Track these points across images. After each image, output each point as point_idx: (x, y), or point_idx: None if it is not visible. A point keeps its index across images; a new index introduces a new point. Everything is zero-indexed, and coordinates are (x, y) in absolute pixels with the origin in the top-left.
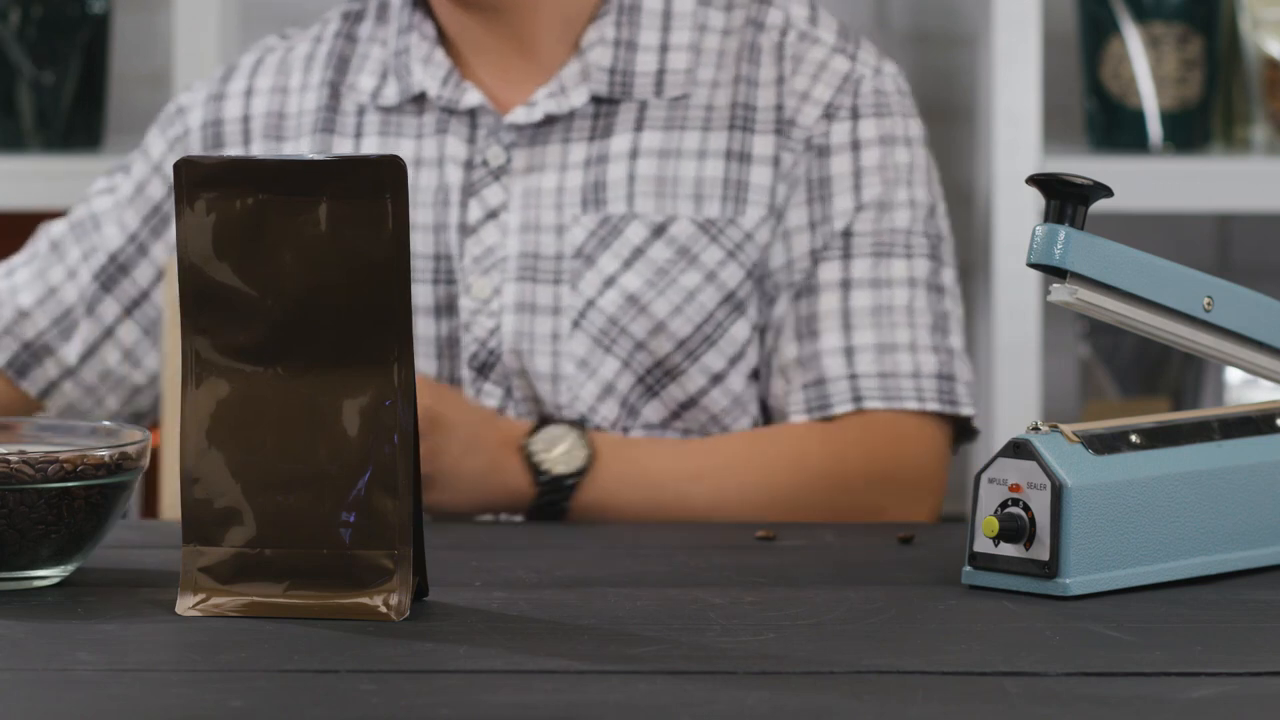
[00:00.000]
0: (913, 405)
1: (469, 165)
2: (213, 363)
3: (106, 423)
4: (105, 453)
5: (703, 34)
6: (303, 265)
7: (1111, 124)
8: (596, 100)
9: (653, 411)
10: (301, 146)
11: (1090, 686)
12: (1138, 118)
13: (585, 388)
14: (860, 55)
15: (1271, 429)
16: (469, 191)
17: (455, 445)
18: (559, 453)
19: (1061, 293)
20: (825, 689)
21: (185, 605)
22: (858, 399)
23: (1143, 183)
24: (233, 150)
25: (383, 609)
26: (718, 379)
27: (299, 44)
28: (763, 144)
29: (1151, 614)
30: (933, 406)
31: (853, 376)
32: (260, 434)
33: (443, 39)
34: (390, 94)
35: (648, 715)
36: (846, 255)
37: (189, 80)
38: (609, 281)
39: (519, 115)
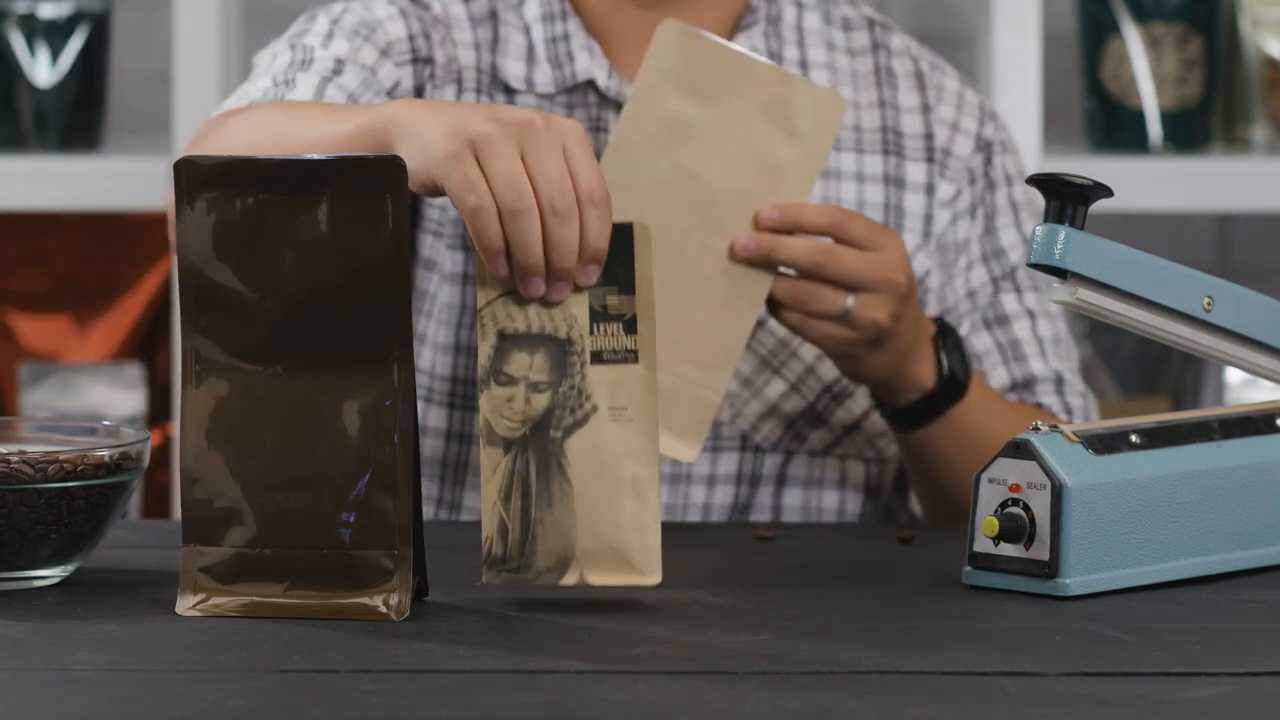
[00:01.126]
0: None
1: None
2: (213, 362)
3: (106, 422)
4: (105, 453)
5: (832, 53)
6: (303, 265)
7: (1111, 124)
8: None
9: (819, 439)
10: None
11: (1090, 686)
12: (1138, 118)
13: (749, 406)
14: (976, 89)
15: (1271, 429)
16: None
17: (909, 317)
18: (958, 357)
19: (1061, 293)
20: (825, 689)
21: (185, 605)
22: (1068, 412)
23: (1143, 183)
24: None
25: (383, 609)
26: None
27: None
28: (915, 171)
29: (1151, 614)
30: None
31: (1061, 392)
32: (260, 434)
33: (589, 31)
34: (543, 80)
35: (648, 715)
36: (1017, 288)
37: (189, 80)
38: None
39: None
